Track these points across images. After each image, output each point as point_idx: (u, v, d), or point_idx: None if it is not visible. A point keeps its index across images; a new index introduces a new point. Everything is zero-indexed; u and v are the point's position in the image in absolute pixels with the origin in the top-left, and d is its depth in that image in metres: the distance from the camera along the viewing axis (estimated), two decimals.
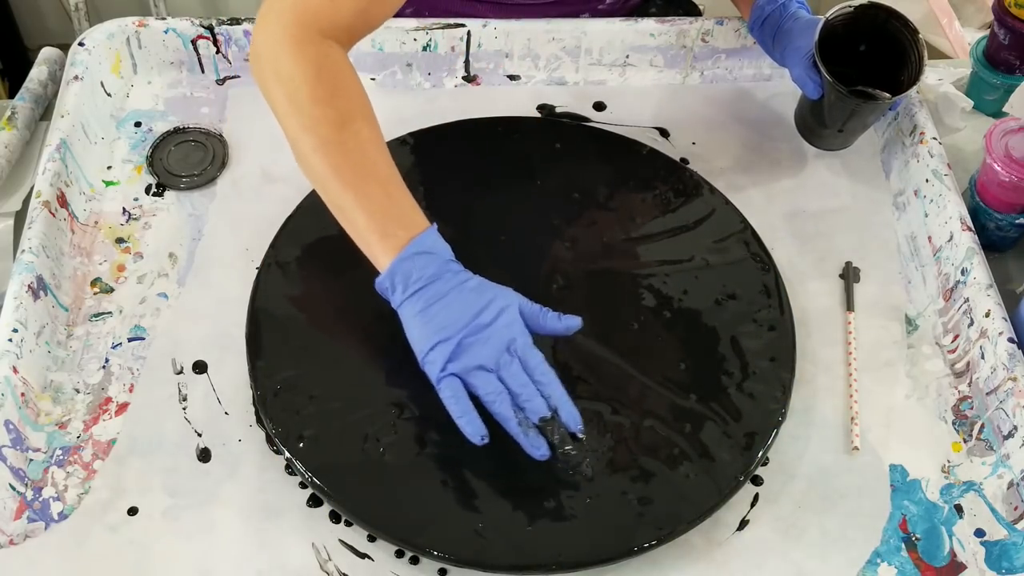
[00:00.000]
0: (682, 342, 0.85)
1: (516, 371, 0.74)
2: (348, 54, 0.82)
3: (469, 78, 1.04)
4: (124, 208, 0.94)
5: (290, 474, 0.78)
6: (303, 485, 0.78)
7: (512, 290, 0.77)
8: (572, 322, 0.78)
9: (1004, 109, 1.05)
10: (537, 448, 0.74)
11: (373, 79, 1.04)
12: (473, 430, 0.73)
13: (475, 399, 0.75)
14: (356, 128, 0.78)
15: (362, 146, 0.78)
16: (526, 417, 0.74)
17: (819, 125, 0.95)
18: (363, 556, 0.75)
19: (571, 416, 0.75)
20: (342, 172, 0.77)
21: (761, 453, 0.79)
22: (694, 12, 1.16)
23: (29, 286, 0.82)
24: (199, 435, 0.80)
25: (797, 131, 0.99)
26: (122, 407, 0.82)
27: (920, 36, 0.89)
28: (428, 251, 0.76)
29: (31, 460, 0.78)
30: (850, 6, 0.90)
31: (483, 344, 0.74)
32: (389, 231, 0.76)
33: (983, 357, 0.83)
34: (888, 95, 0.90)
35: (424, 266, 0.75)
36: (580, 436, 0.75)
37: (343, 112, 0.78)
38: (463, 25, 1.01)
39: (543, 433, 0.74)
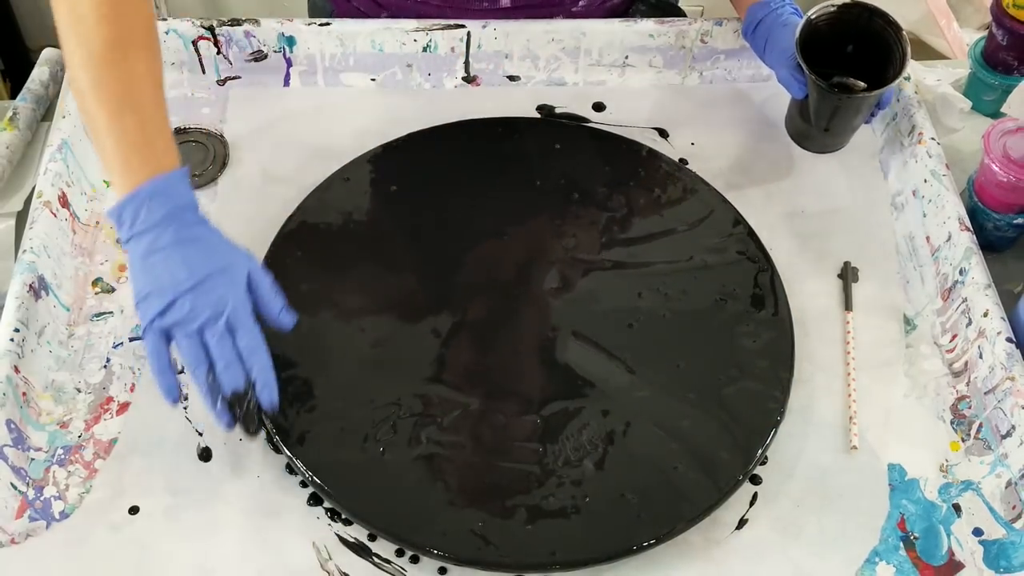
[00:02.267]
0: (681, 342, 0.85)
1: (219, 339, 0.73)
2: None
3: (469, 79, 1.05)
4: None
5: (290, 474, 0.79)
6: (303, 484, 0.78)
7: (248, 255, 0.76)
8: (286, 319, 0.76)
9: (1002, 110, 1.05)
10: (220, 419, 0.73)
11: (373, 79, 1.04)
12: (165, 389, 0.74)
13: None
14: (130, 54, 0.76)
15: (130, 73, 0.76)
16: (220, 387, 0.73)
17: (806, 125, 0.94)
18: (363, 555, 0.75)
19: (267, 390, 0.74)
20: (101, 93, 0.75)
21: (760, 452, 0.79)
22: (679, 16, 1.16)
23: (31, 286, 0.82)
24: (200, 434, 0.81)
25: (789, 137, 0.99)
26: (123, 406, 0.82)
27: (904, 32, 0.87)
28: (164, 193, 0.73)
29: (32, 459, 0.79)
30: (832, 5, 0.89)
31: (192, 306, 0.72)
32: (132, 165, 0.74)
33: (981, 357, 0.83)
34: (864, 85, 0.89)
35: (154, 209, 0.73)
36: (270, 412, 0.74)
37: (122, 34, 0.76)
38: (463, 26, 1.01)
39: (235, 405, 0.73)
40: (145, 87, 0.76)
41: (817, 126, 0.93)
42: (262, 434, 0.80)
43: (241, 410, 0.73)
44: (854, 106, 0.90)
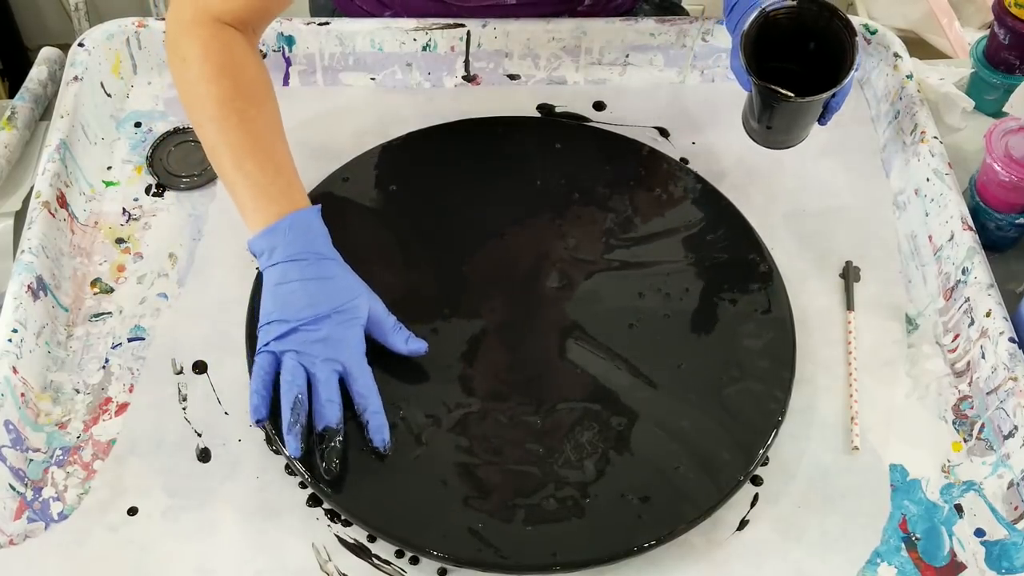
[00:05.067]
0: (682, 342, 0.85)
1: (328, 374, 0.77)
2: (260, 40, 0.89)
3: (469, 78, 1.04)
4: (124, 208, 0.94)
5: (290, 474, 0.78)
6: (303, 485, 0.78)
7: (370, 294, 0.80)
8: (417, 346, 0.81)
9: (1004, 109, 1.05)
10: (289, 446, 0.75)
11: (373, 79, 1.04)
12: (254, 409, 0.76)
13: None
14: (240, 107, 0.82)
15: (245, 124, 0.81)
16: (304, 415, 0.75)
17: (753, 119, 0.91)
18: (363, 556, 0.75)
19: (378, 431, 0.77)
20: (222, 147, 0.81)
21: (761, 453, 0.79)
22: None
23: (29, 286, 0.82)
24: (199, 435, 0.80)
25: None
26: (122, 407, 0.82)
27: (856, 39, 0.84)
28: (296, 229, 0.79)
29: (31, 460, 0.78)
30: (791, 0, 0.86)
31: (311, 339, 0.77)
32: (260, 204, 0.80)
33: (983, 357, 0.83)
34: (790, 94, 0.84)
35: (291, 242, 0.78)
36: (384, 451, 0.77)
37: (228, 90, 0.82)
38: (463, 25, 1.01)
39: (322, 440, 0.76)
40: (262, 133, 0.82)
41: (761, 123, 0.90)
42: (261, 434, 0.80)
43: (326, 446, 0.76)
44: (791, 109, 0.87)
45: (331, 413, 0.76)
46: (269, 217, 0.79)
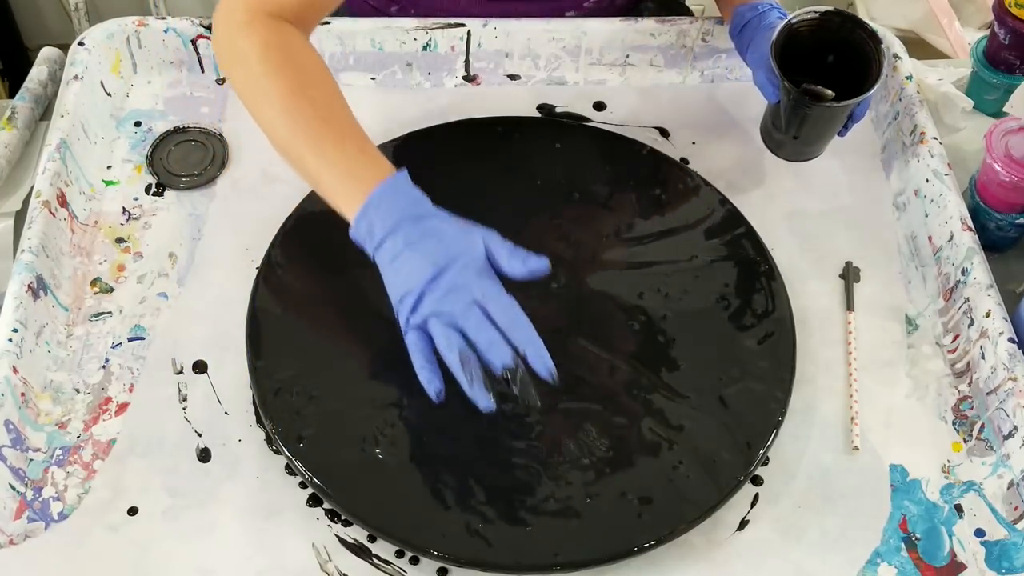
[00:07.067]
0: (682, 342, 0.85)
1: (476, 319, 0.72)
2: (311, 37, 0.86)
3: (469, 78, 1.04)
4: (124, 208, 0.94)
5: (290, 474, 0.78)
6: (303, 485, 0.78)
7: (482, 229, 0.76)
8: (537, 264, 0.75)
9: (1004, 109, 1.05)
10: (480, 403, 0.72)
11: (373, 79, 1.04)
12: (427, 382, 0.73)
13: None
14: (310, 94, 0.80)
15: (318, 110, 0.79)
16: (478, 367, 0.72)
17: (777, 131, 0.92)
18: (363, 556, 0.75)
19: (540, 360, 0.72)
20: (299, 137, 0.78)
21: (761, 453, 0.79)
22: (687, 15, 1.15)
23: (29, 286, 0.82)
24: (199, 435, 0.80)
25: (763, 142, 0.97)
26: (122, 407, 0.82)
27: (883, 46, 0.86)
28: (388, 199, 0.75)
29: (31, 460, 0.78)
30: (815, 11, 0.88)
31: (441, 295, 0.72)
32: (347, 185, 0.76)
33: (983, 357, 0.83)
34: (832, 94, 0.86)
35: (385, 216, 0.74)
36: (552, 382, 0.72)
37: (294, 80, 0.80)
38: (463, 25, 1.01)
39: (509, 382, 0.72)
40: (337, 117, 0.80)
41: (788, 133, 0.91)
42: (261, 434, 0.80)
43: (516, 385, 0.71)
44: (823, 115, 0.88)
45: (500, 352, 0.71)
46: (360, 198, 0.75)
